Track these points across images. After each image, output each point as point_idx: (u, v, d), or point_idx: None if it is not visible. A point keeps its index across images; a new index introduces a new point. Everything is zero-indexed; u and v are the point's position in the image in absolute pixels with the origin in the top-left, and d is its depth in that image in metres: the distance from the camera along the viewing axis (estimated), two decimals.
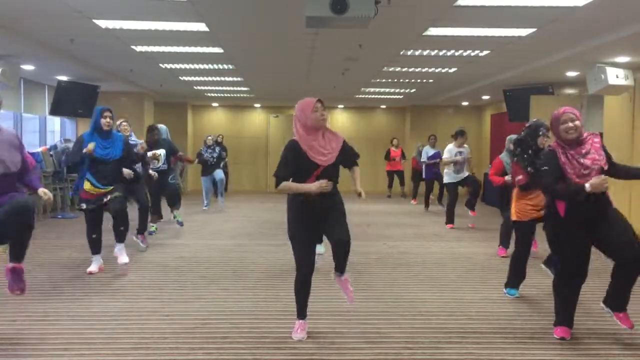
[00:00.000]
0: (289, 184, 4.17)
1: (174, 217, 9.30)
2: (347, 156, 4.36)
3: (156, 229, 9.07)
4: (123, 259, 6.25)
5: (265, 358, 3.91)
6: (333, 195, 4.24)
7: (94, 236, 6.23)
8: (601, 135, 4.49)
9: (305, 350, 4.03)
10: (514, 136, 6.70)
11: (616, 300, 4.26)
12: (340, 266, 4.33)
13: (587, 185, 3.97)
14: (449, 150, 9.98)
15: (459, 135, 10.03)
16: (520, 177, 5.46)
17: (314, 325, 4.47)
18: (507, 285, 5.62)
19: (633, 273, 4.16)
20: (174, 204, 9.30)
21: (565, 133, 4.11)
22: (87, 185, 6.09)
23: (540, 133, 5.32)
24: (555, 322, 4.37)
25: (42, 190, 4.42)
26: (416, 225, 10.42)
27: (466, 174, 10.05)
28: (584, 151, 4.11)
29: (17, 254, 4.24)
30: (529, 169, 5.29)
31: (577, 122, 4.10)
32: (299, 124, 4.19)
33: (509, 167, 6.37)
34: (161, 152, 8.74)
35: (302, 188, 4.13)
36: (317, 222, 4.22)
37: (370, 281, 6.05)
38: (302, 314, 4.34)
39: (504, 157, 6.92)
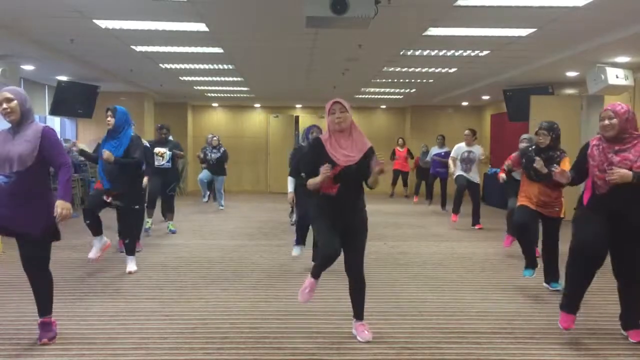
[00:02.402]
0: (313, 179, 4.13)
1: (167, 228, 9.30)
2: (367, 165, 4.15)
3: (151, 225, 9.05)
4: (129, 267, 6.33)
5: (265, 358, 3.91)
6: (357, 208, 4.20)
7: (87, 222, 6.26)
8: None
9: (305, 350, 4.03)
10: (525, 135, 7.30)
11: (626, 320, 4.28)
12: (358, 310, 4.30)
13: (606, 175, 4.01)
14: (458, 148, 10.01)
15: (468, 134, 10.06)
16: (509, 161, 6.06)
17: (314, 325, 4.47)
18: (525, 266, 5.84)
19: (634, 290, 4.19)
20: (168, 213, 9.33)
21: (602, 129, 4.11)
22: (98, 184, 6.34)
23: (536, 133, 5.67)
24: (561, 304, 4.32)
25: (58, 202, 3.96)
26: (416, 225, 10.42)
27: (475, 178, 9.98)
28: (617, 147, 4.06)
29: (40, 307, 4.09)
30: (523, 160, 5.75)
31: (614, 120, 4.05)
32: (327, 123, 4.20)
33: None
34: (166, 150, 8.97)
35: (316, 180, 4.08)
36: (336, 223, 4.16)
37: (370, 281, 6.01)
38: (316, 274, 4.23)
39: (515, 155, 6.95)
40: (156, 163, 9.01)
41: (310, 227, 5.86)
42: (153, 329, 4.43)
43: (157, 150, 9.08)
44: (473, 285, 5.94)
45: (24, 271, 4.05)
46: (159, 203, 9.26)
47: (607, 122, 4.07)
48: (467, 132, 10.11)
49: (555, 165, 5.14)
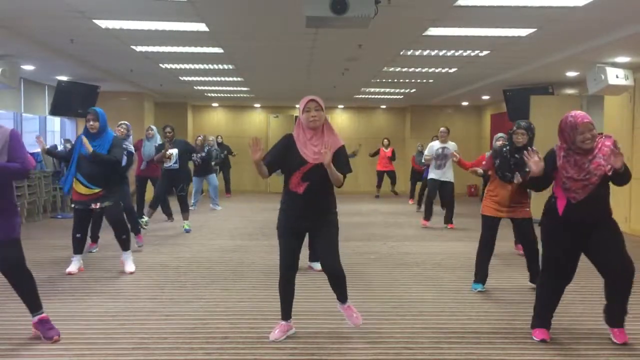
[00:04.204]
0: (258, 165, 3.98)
1: (182, 227, 9.36)
2: (337, 163, 4.01)
3: (147, 222, 9.06)
4: (129, 267, 6.30)
5: (265, 358, 3.91)
6: (324, 208, 4.12)
7: (77, 235, 6.21)
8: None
9: (306, 350, 4.03)
10: (500, 134, 7.34)
11: (610, 316, 4.26)
12: (340, 295, 4.28)
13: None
14: (431, 147, 10.16)
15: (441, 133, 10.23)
16: (484, 162, 6.00)
17: (313, 326, 4.47)
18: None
19: (620, 287, 4.15)
20: (182, 212, 9.42)
21: (582, 143, 4.01)
22: (76, 186, 6.10)
23: (511, 131, 5.62)
24: (533, 324, 4.35)
25: None
26: (416, 226, 10.41)
27: (449, 177, 10.06)
28: (590, 157, 4.03)
29: (29, 305, 4.13)
30: (496, 161, 5.65)
31: (594, 132, 4.02)
32: (299, 120, 4.16)
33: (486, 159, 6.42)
34: (173, 151, 8.97)
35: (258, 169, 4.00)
36: (302, 230, 4.16)
37: (370, 281, 6.06)
38: (285, 315, 4.28)
39: (488, 154, 6.94)
40: (165, 165, 9.00)
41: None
42: (153, 329, 4.43)
43: (163, 152, 8.98)
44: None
45: (5, 276, 4.05)
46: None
47: (589, 135, 4.00)
48: (443, 129, 10.26)
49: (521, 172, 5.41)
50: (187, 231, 9.25)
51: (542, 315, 4.32)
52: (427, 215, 10.24)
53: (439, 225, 10.22)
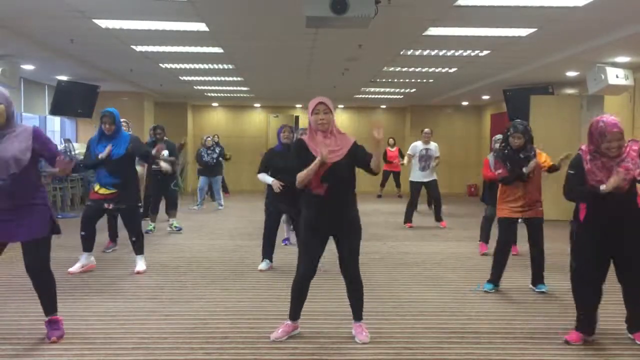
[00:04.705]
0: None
1: (171, 225, 9.29)
2: (361, 156, 4.13)
3: (154, 227, 9.08)
4: (138, 267, 6.32)
5: (265, 358, 3.91)
6: (347, 208, 4.14)
7: (82, 233, 6.26)
8: None
9: (306, 350, 4.03)
10: (499, 136, 7.21)
11: (632, 322, 4.26)
12: (356, 311, 4.28)
13: (602, 186, 3.92)
14: (414, 146, 10.23)
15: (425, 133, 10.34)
16: (500, 170, 5.65)
17: (314, 326, 4.47)
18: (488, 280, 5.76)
19: (629, 295, 4.20)
20: (171, 209, 9.30)
21: (607, 150, 3.97)
22: (96, 187, 6.21)
23: (508, 134, 5.53)
24: (577, 326, 4.26)
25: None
26: (416, 225, 10.39)
27: (432, 176, 10.11)
28: (618, 160, 3.98)
29: (46, 307, 4.15)
30: (507, 164, 5.52)
31: (621, 142, 3.95)
32: (309, 122, 4.18)
33: (493, 165, 6.36)
34: (164, 152, 8.89)
35: (307, 170, 4.00)
36: (326, 232, 4.19)
37: (370, 281, 6.04)
38: (293, 315, 4.29)
39: (490, 156, 6.93)
40: (153, 166, 8.95)
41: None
42: (153, 329, 4.43)
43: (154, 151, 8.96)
44: (473, 285, 5.93)
45: (28, 274, 4.06)
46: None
47: (615, 144, 3.94)
48: (427, 130, 10.37)
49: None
50: (178, 229, 9.20)
51: (588, 320, 4.21)
52: (409, 219, 10.21)
53: (436, 225, 10.22)
